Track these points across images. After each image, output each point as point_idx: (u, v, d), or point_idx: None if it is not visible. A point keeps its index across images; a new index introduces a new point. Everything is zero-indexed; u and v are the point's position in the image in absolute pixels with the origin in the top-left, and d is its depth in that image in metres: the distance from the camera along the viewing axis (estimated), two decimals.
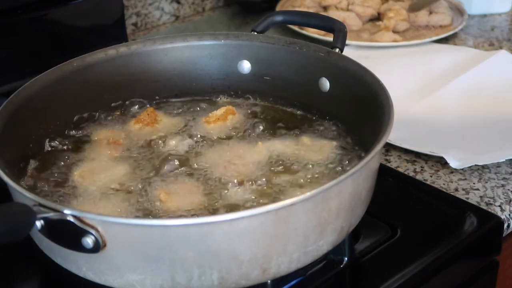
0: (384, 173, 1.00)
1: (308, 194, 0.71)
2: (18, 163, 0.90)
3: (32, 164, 0.93)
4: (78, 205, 0.85)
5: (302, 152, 0.95)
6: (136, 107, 1.06)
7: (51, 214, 0.70)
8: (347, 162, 0.92)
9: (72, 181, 0.90)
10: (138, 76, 1.06)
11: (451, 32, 1.52)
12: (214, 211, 0.84)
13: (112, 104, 1.05)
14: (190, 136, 0.99)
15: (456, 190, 1.03)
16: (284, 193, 0.86)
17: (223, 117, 1.02)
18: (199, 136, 0.99)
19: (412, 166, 1.09)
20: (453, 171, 1.07)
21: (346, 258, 0.88)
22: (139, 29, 1.61)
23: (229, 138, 0.99)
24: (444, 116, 1.21)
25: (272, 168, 0.91)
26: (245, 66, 1.07)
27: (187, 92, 1.09)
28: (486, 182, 1.04)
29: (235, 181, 0.88)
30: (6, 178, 0.76)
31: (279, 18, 1.09)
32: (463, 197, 1.01)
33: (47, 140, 0.97)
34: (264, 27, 1.07)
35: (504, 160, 1.06)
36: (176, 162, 0.93)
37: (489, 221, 0.95)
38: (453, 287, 0.96)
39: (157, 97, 1.08)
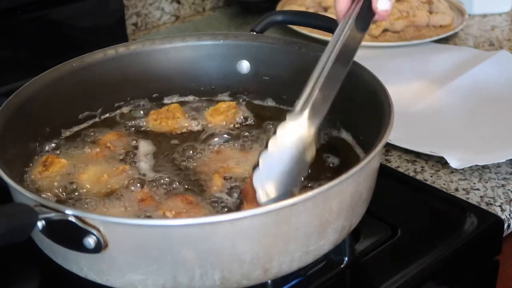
0: (384, 173, 1.00)
1: (309, 193, 0.71)
2: (18, 163, 0.90)
3: (33, 164, 0.93)
4: (79, 206, 0.86)
5: None
6: (136, 107, 1.07)
7: (52, 215, 0.70)
8: (347, 162, 0.93)
9: (73, 182, 0.90)
10: (137, 76, 1.06)
11: (451, 32, 1.52)
12: None
13: (113, 105, 1.05)
14: (189, 139, 1.00)
15: (457, 190, 1.03)
16: None
17: (225, 111, 1.02)
18: (196, 139, 0.99)
19: (412, 166, 1.09)
20: (453, 171, 1.07)
21: (346, 258, 0.88)
22: (139, 29, 1.61)
23: (229, 140, 0.99)
24: (444, 116, 1.21)
25: None
26: (244, 66, 1.07)
27: (186, 92, 1.09)
28: (487, 182, 1.04)
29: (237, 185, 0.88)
30: (7, 179, 0.76)
31: (278, 18, 1.10)
32: (463, 197, 1.01)
33: (47, 140, 0.97)
34: (263, 27, 1.07)
35: (504, 160, 1.06)
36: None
37: (489, 221, 0.95)
38: (453, 287, 0.96)
39: (156, 97, 1.08)
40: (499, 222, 0.95)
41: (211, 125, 1.02)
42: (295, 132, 0.79)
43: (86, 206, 0.86)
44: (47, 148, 0.96)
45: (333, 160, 0.94)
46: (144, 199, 0.86)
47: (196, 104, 1.08)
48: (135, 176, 0.91)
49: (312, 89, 0.81)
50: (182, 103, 1.08)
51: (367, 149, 0.80)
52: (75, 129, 1.01)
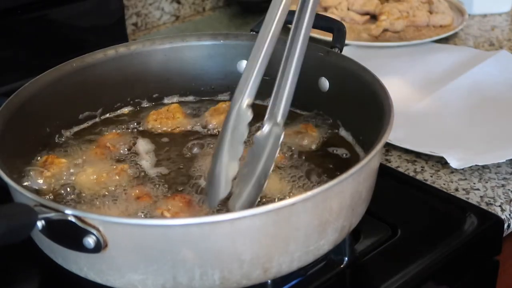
0: (384, 173, 1.00)
1: (309, 193, 0.71)
2: (18, 163, 0.90)
3: (33, 164, 0.93)
4: (79, 205, 0.85)
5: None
6: (136, 107, 1.07)
7: (52, 214, 0.70)
8: (347, 162, 0.93)
9: (73, 182, 0.90)
10: (137, 77, 1.06)
11: (451, 32, 1.52)
12: None
13: (113, 105, 1.05)
14: (188, 138, 1.00)
15: (457, 190, 1.03)
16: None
17: (225, 111, 1.02)
18: (196, 139, 0.99)
19: (413, 166, 1.09)
20: (453, 171, 1.07)
21: (346, 258, 0.88)
22: (139, 29, 1.61)
23: None
24: (444, 116, 1.21)
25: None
26: (244, 66, 1.07)
27: (186, 92, 1.09)
28: (487, 182, 1.04)
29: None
30: (6, 179, 0.76)
31: None
32: (463, 197, 1.01)
33: (47, 140, 0.97)
34: None
35: (504, 160, 1.06)
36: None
37: (489, 221, 0.95)
38: (453, 287, 0.96)
39: (156, 97, 1.08)
40: (499, 222, 0.95)
41: (211, 125, 1.02)
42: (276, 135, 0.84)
43: (85, 206, 0.86)
44: (47, 148, 0.96)
45: (343, 152, 0.95)
46: (144, 199, 0.85)
47: (196, 104, 1.08)
48: (135, 175, 0.91)
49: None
50: (182, 103, 1.08)
51: (367, 149, 0.80)
52: (75, 129, 1.01)
